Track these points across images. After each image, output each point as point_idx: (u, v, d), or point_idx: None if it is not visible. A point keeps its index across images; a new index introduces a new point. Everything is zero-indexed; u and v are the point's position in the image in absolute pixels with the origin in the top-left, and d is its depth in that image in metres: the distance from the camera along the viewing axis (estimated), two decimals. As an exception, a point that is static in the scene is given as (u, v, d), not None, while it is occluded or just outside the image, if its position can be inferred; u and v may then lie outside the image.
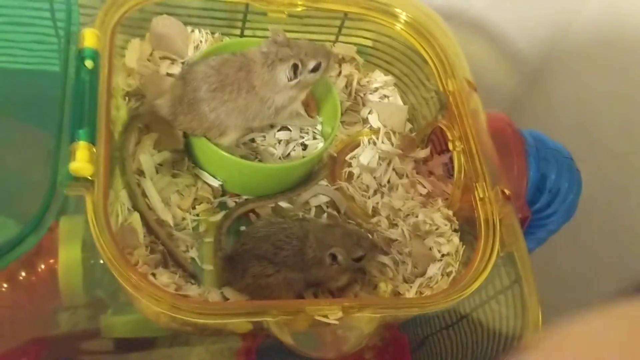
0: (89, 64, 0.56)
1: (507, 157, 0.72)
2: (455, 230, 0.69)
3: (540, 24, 1.02)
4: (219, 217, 0.67)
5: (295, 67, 0.63)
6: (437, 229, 0.69)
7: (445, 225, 0.69)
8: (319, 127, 0.74)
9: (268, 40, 0.64)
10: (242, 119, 0.64)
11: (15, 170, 0.65)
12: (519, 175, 0.73)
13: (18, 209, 0.62)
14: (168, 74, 0.68)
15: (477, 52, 1.02)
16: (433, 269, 0.66)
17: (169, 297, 0.53)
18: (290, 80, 0.64)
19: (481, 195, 0.64)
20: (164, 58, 0.69)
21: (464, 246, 0.68)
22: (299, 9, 0.71)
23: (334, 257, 0.62)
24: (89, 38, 0.57)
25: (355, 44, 0.79)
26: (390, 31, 0.75)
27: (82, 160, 0.52)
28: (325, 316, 0.56)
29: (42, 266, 0.62)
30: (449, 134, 0.70)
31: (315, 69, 0.65)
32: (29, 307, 0.63)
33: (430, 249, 0.68)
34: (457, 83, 0.70)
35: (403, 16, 0.74)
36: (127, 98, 0.66)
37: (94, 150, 0.53)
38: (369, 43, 0.79)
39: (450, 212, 0.70)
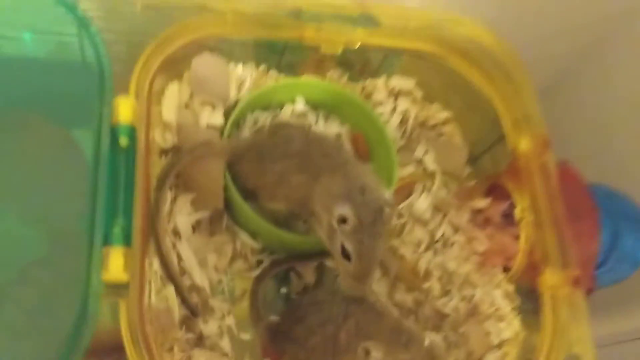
0: (123, 141, 0.49)
1: (576, 221, 0.65)
2: (514, 309, 0.64)
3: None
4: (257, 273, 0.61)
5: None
6: (496, 310, 0.63)
7: (506, 305, 0.63)
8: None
9: None
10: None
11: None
12: (588, 242, 0.66)
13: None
14: (208, 126, 0.60)
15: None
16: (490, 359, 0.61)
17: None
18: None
19: (550, 283, 0.58)
20: (204, 103, 0.61)
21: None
22: (356, 45, 0.63)
23: (367, 352, 0.53)
24: (124, 111, 0.50)
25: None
26: (454, 70, 0.65)
27: (115, 270, 0.46)
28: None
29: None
30: (516, 199, 0.63)
31: None
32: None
33: (487, 333, 0.62)
34: (531, 141, 0.63)
35: (472, 56, 0.64)
36: (163, 155, 0.59)
37: (130, 251, 0.47)
38: (428, 78, 0.70)
39: (511, 288, 0.64)
